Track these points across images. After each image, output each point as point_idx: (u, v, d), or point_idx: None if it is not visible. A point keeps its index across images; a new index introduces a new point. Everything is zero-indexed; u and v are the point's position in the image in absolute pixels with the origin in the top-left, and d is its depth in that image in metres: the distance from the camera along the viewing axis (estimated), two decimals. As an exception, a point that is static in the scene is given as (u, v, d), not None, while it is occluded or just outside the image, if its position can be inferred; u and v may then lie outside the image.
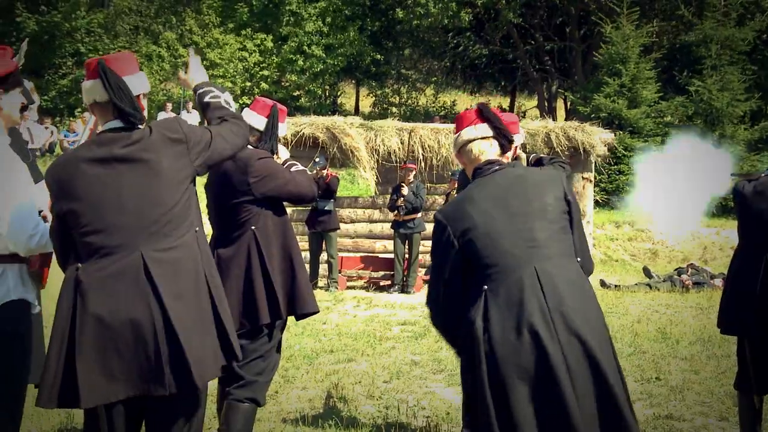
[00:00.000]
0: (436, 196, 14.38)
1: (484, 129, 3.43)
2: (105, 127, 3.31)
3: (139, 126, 3.30)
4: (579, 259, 3.30)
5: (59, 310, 3.17)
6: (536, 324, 3.03)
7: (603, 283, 13.76)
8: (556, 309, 3.06)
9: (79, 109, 26.58)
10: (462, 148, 3.47)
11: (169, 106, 24.95)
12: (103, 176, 3.20)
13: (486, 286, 3.17)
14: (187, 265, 3.25)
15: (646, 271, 15.04)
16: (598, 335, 3.11)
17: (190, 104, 25.00)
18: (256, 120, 4.46)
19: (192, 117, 24.33)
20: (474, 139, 3.44)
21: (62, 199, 3.22)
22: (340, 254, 13.65)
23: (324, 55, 28.79)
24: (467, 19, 29.68)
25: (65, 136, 22.76)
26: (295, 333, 9.10)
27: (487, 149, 3.43)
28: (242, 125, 3.62)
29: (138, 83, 3.38)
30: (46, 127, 21.99)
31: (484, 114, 3.44)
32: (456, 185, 12.95)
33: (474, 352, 3.10)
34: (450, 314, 3.32)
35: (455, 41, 32.50)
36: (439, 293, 3.35)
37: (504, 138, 3.44)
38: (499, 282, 3.15)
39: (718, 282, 13.00)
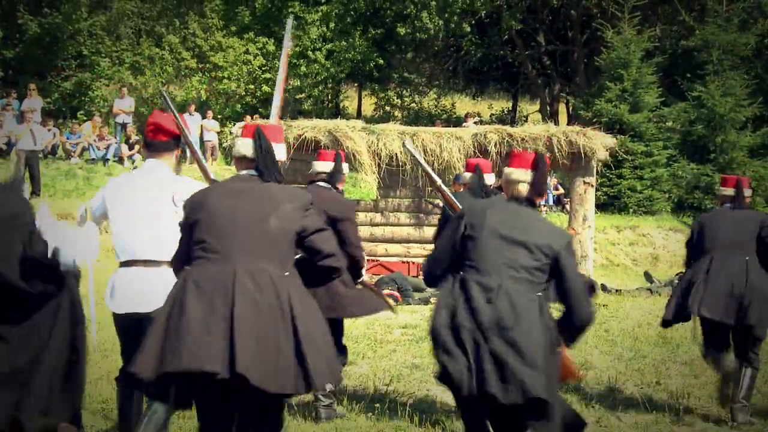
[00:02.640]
0: (438, 200, 14.37)
1: (530, 175, 4.35)
2: (243, 172, 4.08)
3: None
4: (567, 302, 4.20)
5: (166, 301, 3.81)
6: (467, 314, 4.06)
7: (604, 288, 13.75)
8: (493, 319, 4.01)
9: (81, 112, 26.61)
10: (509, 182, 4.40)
11: (172, 108, 24.94)
12: (227, 199, 3.95)
13: (462, 273, 4.19)
14: (273, 289, 3.77)
15: (648, 276, 15.04)
16: (528, 341, 3.99)
17: (192, 107, 25.04)
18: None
19: (194, 119, 24.38)
20: (521, 181, 4.34)
21: (193, 212, 3.97)
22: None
23: (326, 63, 28.82)
24: (468, 29, 29.85)
25: (67, 138, 22.78)
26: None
27: (524, 189, 4.35)
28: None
29: (280, 150, 4.12)
30: (49, 129, 21.99)
31: (538, 167, 4.35)
32: (460, 188, 13.01)
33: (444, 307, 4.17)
34: (434, 270, 4.42)
35: (457, 45, 32.59)
36: (436, 254, 4.47)
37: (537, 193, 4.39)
38: (473, 274, 4.15)
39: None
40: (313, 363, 3.70)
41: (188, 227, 3.98)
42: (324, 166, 6.30)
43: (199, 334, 3.64)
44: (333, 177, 6.26)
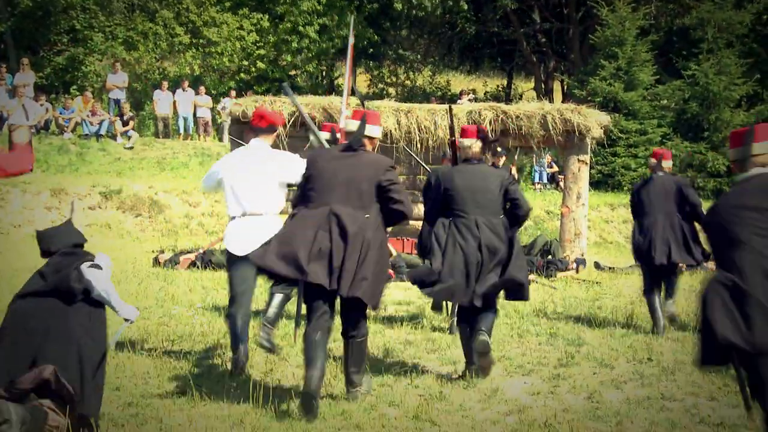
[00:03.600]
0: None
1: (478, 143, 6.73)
2: (343, 144, 6.11)
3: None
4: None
5: (284, 225, 5.83)
6: (470, 240, 6.40)
7: (597, 265, 13.81)
8: (483, 242, 6.38)
9: (74, 87, 26.46)
10: (464, 148, 6.73)
11: (165, 84, 24.86)
12: (331, 162, 5.85)
13: (450, 219, 6.53)
14: (356, 225, 5.59)
15: (640, 254, 15.06)
16: (502, 252, 6.43)
17: (186, 83, 24.95)
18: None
19: (187, 96, 24.30)
20: (470, 146, 6.69)
21: (307, 168, 5.93)
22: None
23: (318, 38, 28.64)
24: (465, 7, 29.68)
25: (60, 113, 22.69)
26: (290, 313, 9.15)
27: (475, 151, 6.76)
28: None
29: (377, 131, 6.09)
30: (41, 104, 21.92)
31: (480, 136, 6.73)
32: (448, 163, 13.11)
33: (433, 241, 6.48)
34: (430, 217, 6.69)
35: (452, 21, 32.44)
36: (430, 213, 6.65)
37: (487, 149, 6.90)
38: (455, 219, 6.47)
39: (711, 264, 13.04)
40: (361, 282, 5.54)
41: (304, 178, 5.93)
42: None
43: (301, 253, 5.50)
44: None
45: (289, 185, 6.96)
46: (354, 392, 5.88)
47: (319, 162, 5.87)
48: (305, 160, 6.03)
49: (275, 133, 6.97)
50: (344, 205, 5.63)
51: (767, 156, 4.33)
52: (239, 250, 6.55)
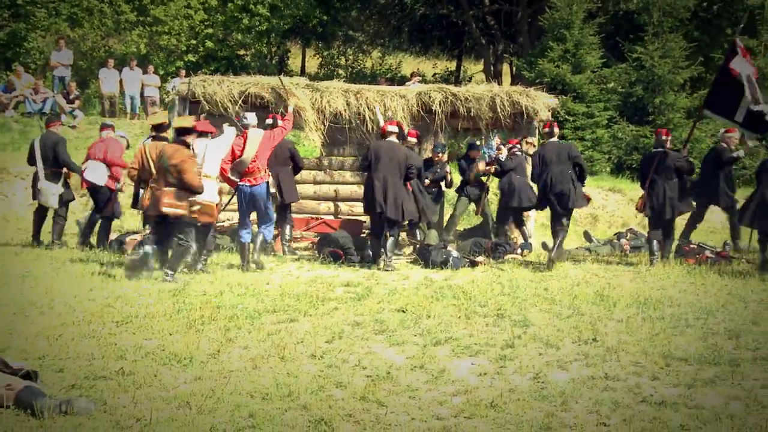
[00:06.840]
0: None
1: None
2: (389, 138, 11.74)
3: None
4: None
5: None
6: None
7: (545, 246, 13.93)
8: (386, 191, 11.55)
9: (16, 64, 25.90)
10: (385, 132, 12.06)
11: (111, 62, 24.46)
12: (384, 150, 11.50)
13: (372, 173, 11.62)
14: (398, 184, 11.53)
15: (587, 236, 15.28)
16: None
17: (134, 62, 24.57)
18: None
19: (134, 74, 23.94)
20: (392, 132, 11.98)
21: (371, 153, 11.55)
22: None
23: (269, 14, 28.37)
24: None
25: (3, 90, 22.20)
26: (237, 293, 9.10)
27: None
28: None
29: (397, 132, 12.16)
30: (-18, 82, 21.43)
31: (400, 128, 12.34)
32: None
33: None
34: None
35: (402, 2, 32.36)
36: (364, 164, 11.80)
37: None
38: (375, 173, 11.56)
39: (655, 246, 13.24)
40: (408, 210, 11.62)
41: (370, 159, 11.49)
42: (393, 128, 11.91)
43: (377, 197, 11.38)
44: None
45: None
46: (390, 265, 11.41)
47: (377, 150, 11.45)
48: (370, 148, 11.71)
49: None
50: (392, 175, 11.34)
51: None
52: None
